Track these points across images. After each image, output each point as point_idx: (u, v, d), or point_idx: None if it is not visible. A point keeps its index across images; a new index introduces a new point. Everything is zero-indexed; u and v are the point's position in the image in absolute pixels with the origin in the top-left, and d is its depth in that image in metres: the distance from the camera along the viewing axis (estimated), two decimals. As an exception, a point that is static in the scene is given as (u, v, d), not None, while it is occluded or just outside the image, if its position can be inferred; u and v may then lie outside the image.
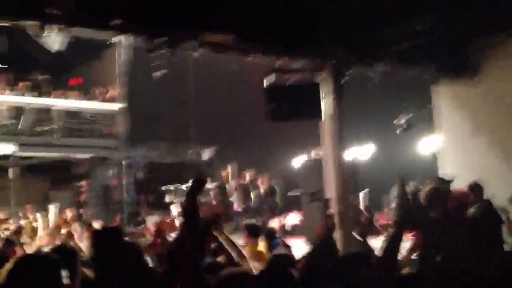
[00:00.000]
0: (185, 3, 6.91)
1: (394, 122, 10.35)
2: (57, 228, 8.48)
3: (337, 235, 6.22)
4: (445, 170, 9.58)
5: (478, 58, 9.38)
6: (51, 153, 15.37)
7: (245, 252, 5.05)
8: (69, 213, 10.92)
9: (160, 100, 16.12)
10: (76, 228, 9.29)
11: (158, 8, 6.79)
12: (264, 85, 8.13)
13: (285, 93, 8.09)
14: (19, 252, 5.77)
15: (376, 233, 10.74)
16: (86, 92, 17.20)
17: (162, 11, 6.84)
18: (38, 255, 3.67)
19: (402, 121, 10.34)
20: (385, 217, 12.62)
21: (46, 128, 15.87)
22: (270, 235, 7.32)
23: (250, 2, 7.02)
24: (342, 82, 8.37)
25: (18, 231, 7.73)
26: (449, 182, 4.82)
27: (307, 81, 8.33)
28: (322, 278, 3.50)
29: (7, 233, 7.61)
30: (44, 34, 6.36)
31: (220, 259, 4.62)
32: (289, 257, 4.17)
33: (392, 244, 3.37)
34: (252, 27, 7.41)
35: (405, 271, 3.72)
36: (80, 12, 6.54)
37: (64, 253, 3.69)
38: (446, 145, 10.27)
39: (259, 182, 13.16)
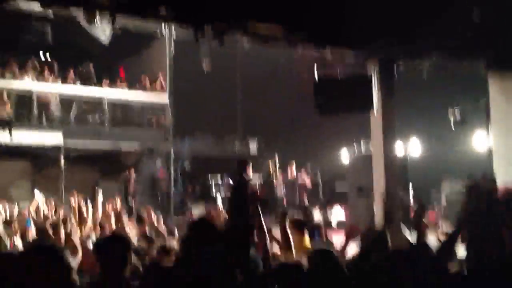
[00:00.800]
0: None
1: (448, 115, 10.05)
2: (106, 217, 8.59)
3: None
4: (501, 167, 9.24)
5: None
6: (100, 143, 15.63)
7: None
8: (117, 202, 11.05)
9: (207, 93, 16.20)
10: (124, 217, 9.43)
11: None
12: (315, 78, 8.03)
13: (335, 87, 7.97)
14: (63, 240, 5.82)
15: (424, 228, 10.55)
16: (134, 83, 17.43)
17: (209, 0, 6.80)
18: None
19: (455, 114, 10.02)
20: (434, 213, 12.37)
21: (95, 119, 16.17)
22: (313, 230, 7.25)
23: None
24: (392, 75, 8.19)
25: (65, 219, 7.84)
26: (493, 180, 4.56)
27: (358, 74, 8.18)
28: (374, 272, 3.43)
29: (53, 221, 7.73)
30: (95, 25, 6.41)
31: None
32: (330, 252, 4.12)
33: (451, 243, 3.27)
34: (300, 18, 7.29)
35: (455, 268, 3.59)
36: (128, 1, 6.56)
37: (117, 242, 3.69)
38: (502, 140, 9.88)
39: (303, 176, 13.11)
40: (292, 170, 13.67)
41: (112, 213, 9.27)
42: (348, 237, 4.96)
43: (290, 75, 13.84)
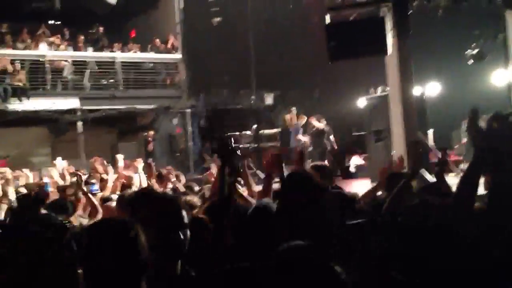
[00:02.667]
0: None
1: (465, 52, 9.74)
2: (128, 177, 8.60)
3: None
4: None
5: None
6: (115, 105, 15.61)
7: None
8: (138, 163, 11.07)
9: (219, 47, 15.99)
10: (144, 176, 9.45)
11: None
12: (326, 22, 7.76)
13: (347, 30, 7.69)
14: (85, 199, 5.83)
15: (448, 170, 10.43)
16: (146, 43, 17.26)
17: None
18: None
19: (473, 51, 9.71)
20: (455, 153, 12.25)
21: (109, 81, 16.12)
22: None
23: None
24: (406, 15, 7.90)
25: (87, 180, 7.89)
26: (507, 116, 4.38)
27: (370, 16, 7.91)
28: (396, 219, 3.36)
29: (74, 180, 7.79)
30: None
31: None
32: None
33: (469, 180, 3.11)
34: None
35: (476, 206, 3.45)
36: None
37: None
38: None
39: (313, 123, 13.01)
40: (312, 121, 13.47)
41: (134, 173, 9.28)
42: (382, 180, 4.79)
43: (302, 22, 13.56)
